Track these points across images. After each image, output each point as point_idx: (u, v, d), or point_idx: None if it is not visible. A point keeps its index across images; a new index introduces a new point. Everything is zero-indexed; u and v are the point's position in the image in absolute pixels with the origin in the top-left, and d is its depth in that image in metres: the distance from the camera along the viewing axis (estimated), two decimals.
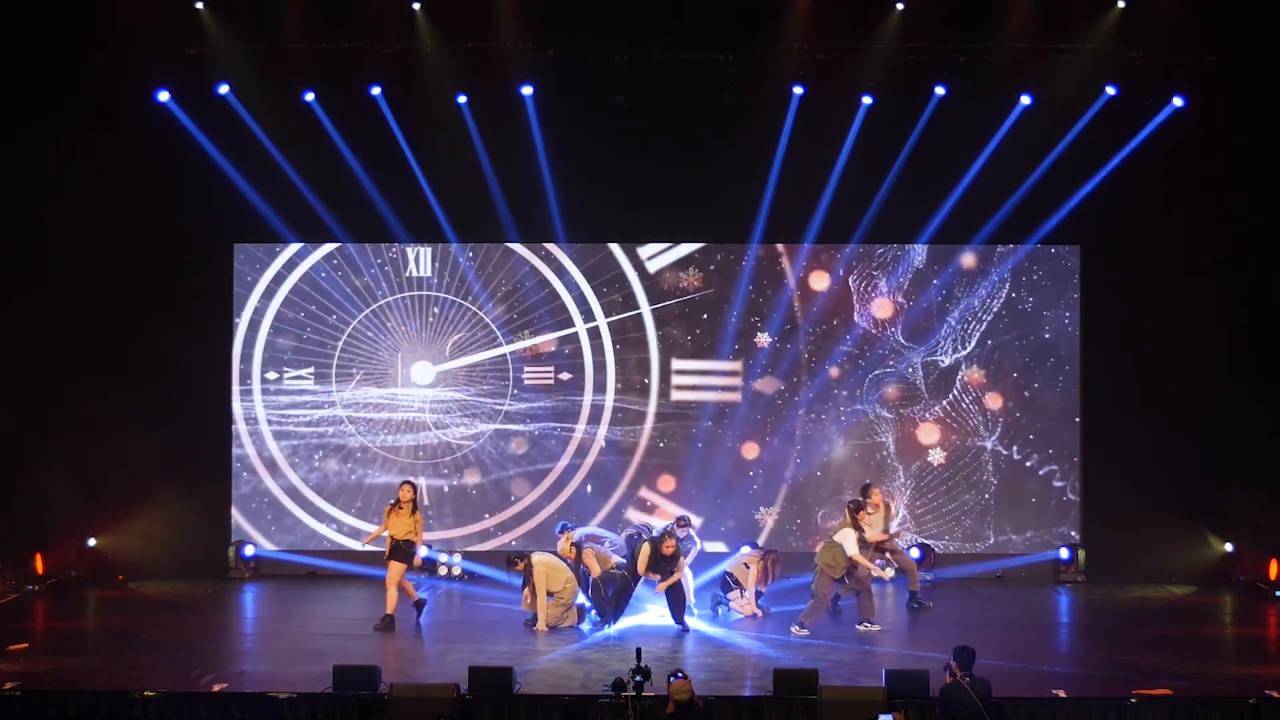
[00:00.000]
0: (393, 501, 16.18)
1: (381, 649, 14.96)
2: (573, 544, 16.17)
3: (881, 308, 19.26)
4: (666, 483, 19.34)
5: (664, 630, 15.69)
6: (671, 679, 11.52)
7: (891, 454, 19.30)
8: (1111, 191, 18.70)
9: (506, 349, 19.28)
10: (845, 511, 16.15)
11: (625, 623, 15.94)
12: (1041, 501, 19.24)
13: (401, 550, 16.02)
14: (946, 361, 19.26)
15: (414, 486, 16.26)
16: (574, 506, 19.08)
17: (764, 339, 19.25)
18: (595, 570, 16.01)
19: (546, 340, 19.28)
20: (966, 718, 11.52)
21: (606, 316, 19.35)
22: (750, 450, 19.37)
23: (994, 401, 19.26)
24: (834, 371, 19.30)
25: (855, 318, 19.28)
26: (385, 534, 16.06)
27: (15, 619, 16.62)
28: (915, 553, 18.96)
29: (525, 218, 19.10)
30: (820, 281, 19.30)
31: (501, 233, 19.16)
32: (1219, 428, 18.58)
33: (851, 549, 15.68)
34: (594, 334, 19.34)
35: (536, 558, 16.00)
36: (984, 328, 19.25)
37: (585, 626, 15.94)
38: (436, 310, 19.35)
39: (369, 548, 19.09)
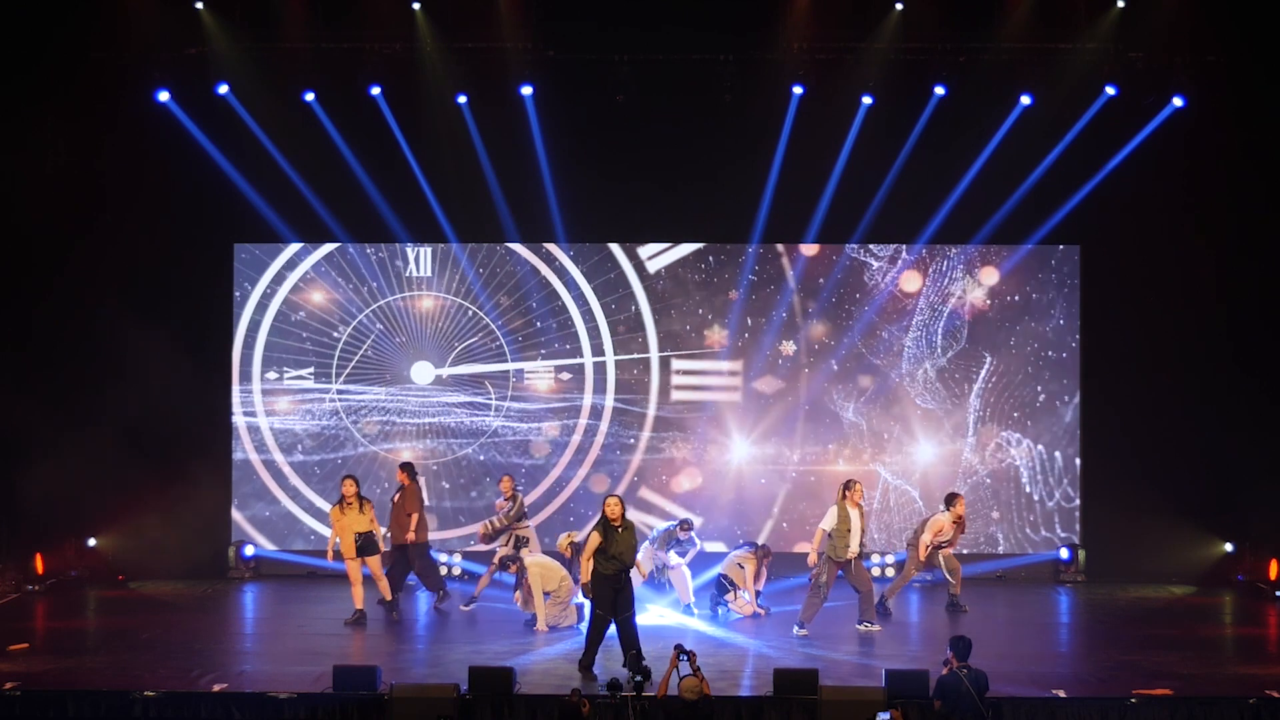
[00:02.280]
0: (339, 500, 16.20)
1: (381, 649, 14.96)
2: (571, 543, 16.18)
3: (881, 307, 19.25)
4: (666, 483, 19.35)
5: (664, 630, 15.68)
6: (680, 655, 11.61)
7: (891, 453, 19.29)
8: (1111, 191, 18.71)
9: (510, 365, 19.28)
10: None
11: None
12: (1041, 501, 19.24)
13: (373, 543, 16.15)
14: (945, 361, 19.25)
15: (355, 480, 16.25)
16: (572, 507, 19.10)
17: (789, 347, 19.23)
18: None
19: (552, 365, 19.31)
20: (963, 709, 11.53)
21: (607, 316, 19.35)
22: (750, 450, 19.36)
23: (993, 401, 19.25)
24: (834, 371, 19.30)
25: (855, 317, 19.27)
26: (339, 536, 16.14)
27: (15, 619, 16.62)
28: None
29: (525, 218, 19.11)
30: (822, 284, 19.30)
31: (501, 233, 19.16)
32: (1219, 428, 18.56)
33: (829, 523, 15.70)
34: (594, 334, 19.34)
35: (530, 560, 16.02)
36: (983, 327, 19.25)
37: (584, 626, 15.95)
38: (436, 310, 19.35)
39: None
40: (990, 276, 19.20)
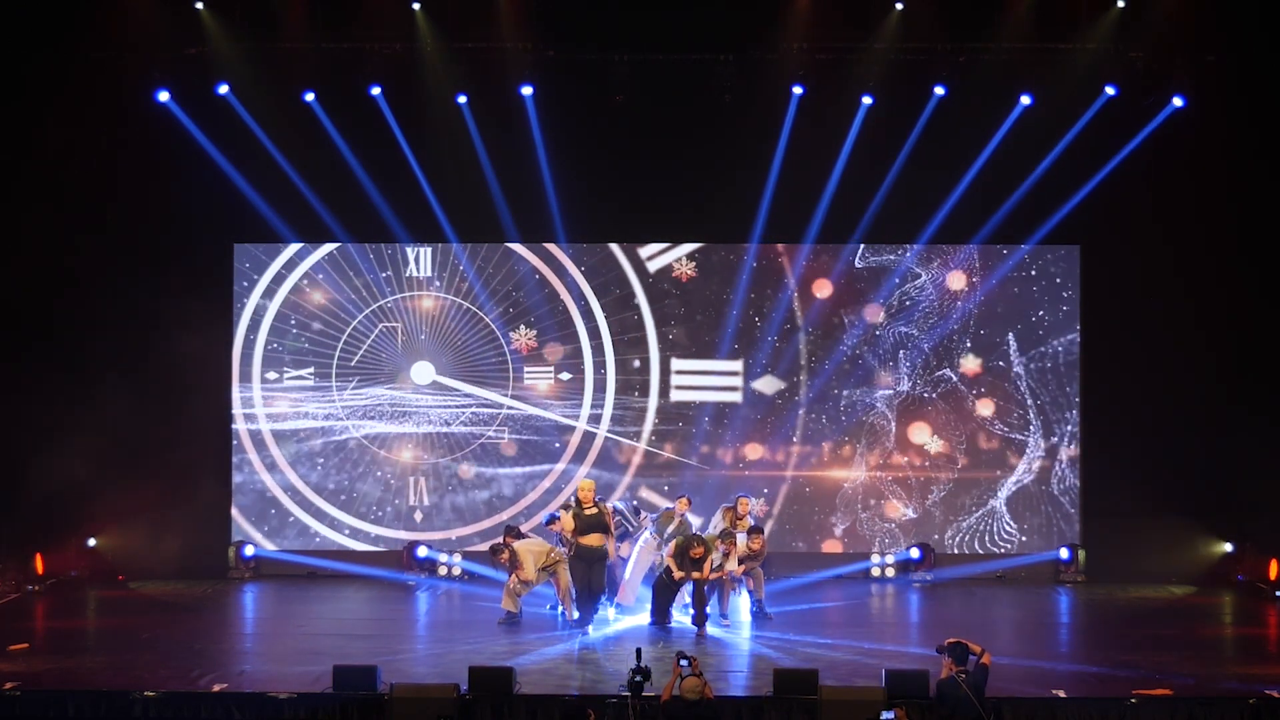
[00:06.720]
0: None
1: (381, 649, 14.95)
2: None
3: (881, 308, 19.25)
4: (666, 483, 19.34)
5: (663, 630, 15.68)
6: (681, 663, 11.58)
7: (891, 454, 19.29)
8: (1111, 191, 18.70)
9: (510, 398, 19.26)
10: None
11: (625, 622, 15.98)
12: (1041, 501, 19.24)
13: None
14: (945, 361, 19.25)
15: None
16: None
17: (824, 410, 19.29)
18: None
19: (552, 365, 19.31)
20: (963, 711, 11.54)
21: (606, 316, 19.35)
22: (750, 450, 19.38)
23: (993, 401, 19.26)
24: (833, 371, 19.30)
25: (855, 317, 19.27)
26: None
27: (15, 619, 16.62)
28: (916, 552, 19.03)
29: (525, 218, 19.10)
30: (822, 284, 19.29)
31: (501, 233, 19.15)
32: (1219, 427, 18.56)
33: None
34: (594, 334, 19.35)
35: (518, 545, 16.04)
36: (983, 327, 19.25)
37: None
38: (436, 310, 19.35)
39: (370, 547, 19.20)
40: (982, 278, 19.20)
